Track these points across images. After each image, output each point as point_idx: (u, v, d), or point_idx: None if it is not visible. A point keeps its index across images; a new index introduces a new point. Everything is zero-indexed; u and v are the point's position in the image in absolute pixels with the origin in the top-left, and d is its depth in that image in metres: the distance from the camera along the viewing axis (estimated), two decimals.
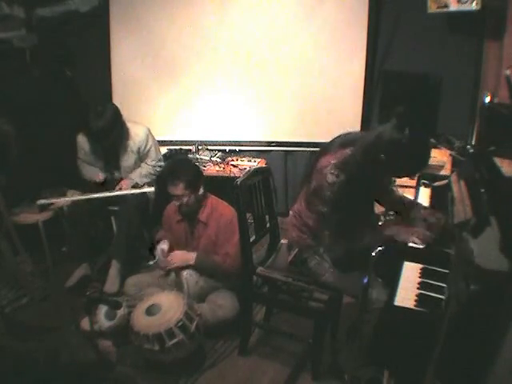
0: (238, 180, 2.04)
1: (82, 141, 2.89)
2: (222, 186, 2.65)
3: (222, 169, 3.36)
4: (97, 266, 2.92)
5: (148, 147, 2.93)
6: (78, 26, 3.53)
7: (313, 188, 1.81)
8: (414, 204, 1.99)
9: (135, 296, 2.31)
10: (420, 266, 1.56)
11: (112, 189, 2.87)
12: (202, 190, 2.36)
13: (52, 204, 2.88)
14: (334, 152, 1.78)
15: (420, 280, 1.48)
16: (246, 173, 2.17)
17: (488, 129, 2.34)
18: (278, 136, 3.62)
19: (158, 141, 3.10)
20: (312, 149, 3.43)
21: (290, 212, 2.07)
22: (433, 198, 2.13)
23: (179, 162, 2.59)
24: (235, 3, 3.40)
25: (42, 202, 2.85)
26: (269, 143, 3.64)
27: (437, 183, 2.21)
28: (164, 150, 3.49)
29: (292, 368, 2.15)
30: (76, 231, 2.85)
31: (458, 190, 1.77)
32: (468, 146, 2.66)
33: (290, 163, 3.67)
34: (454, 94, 3.11)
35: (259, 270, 2.09)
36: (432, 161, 2.68)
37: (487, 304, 1.10)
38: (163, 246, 2.41)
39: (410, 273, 1.53)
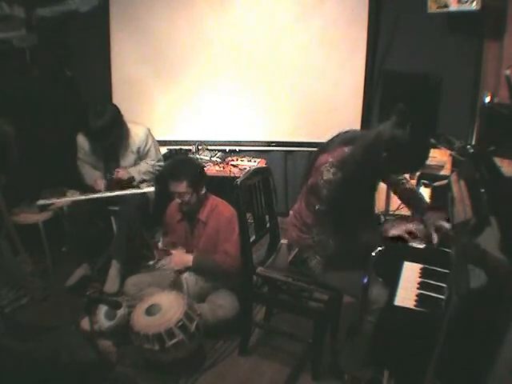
0: (238, 180, 2.04)
1: (82, 141, 2.89)
2: (222, 185, 2.65)
3: (222, 169, 3.35)
4: (97, 266, 2.91)
5: (148, 147, 2.93)
6: (78, 26, 3.53)
7: (310, 186, 1.81)
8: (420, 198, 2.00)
9: (135, 296, 2.31)
10: (420, 265, 1.56)
11: (112, 189, 2.87)
12: (204, 190, 2.36)
13: (52, 204, 2.88)
14: (332, 150, 1.78)
15: (420, 280, 1.48)
16: (246, 173, 2.17)
17: (488, 129, 2.34)
18: (277, 136, 3.62)
19: (158, 141, 3.10)
20: (312, 149, 3.41)
21: (290, 212, 2.07)
22: (433, 198, 2.13)
23: (183, 160, 2.59)
24: (235, 3, 3.40)
25: (42, 202, 2.84)
26: (269, 143, 3.64)
27: (437, 183, 2.21)
28: (164, 149, 3.49)
29: (292, 368, 2.14)
30: (76, 231, 2.84)
31: (458, 189, 1.76)
32: (468, 146, 2.67)
33: (289, 163, 3.68)
34: (454, 94, 3.11)
35: (259, 269, 2.09)
36: (432, 161, 2.70)
37: (487, 304, 1.10)
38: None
39: (410, 273, 1.53)
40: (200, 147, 3.57)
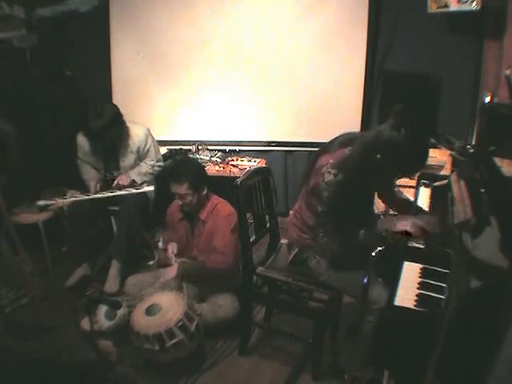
0: (238, 180, 2.04)
1: (82, 141, 2.89)
2: (222, 185, 2.65)
3: (221, 169, 3.36)
4: (97, 266, 2.92)
5: (147, 147, 2.93)
6: (78, 26, 3.53)
7: (311, 187, 1.81)
8: (411, 206, 1.99)
9: (135, 296, 2.31)
10: (420, 265, 1.56)
11: (112, 188, 2.87)
12: (205, 191, 2.36)
13: (52, 204, 2.88)
14: (332, 151, 1.78)
15: (420, 280, 1.48)
16: (246, 173, 2.17)
17: (488, 129, 2.34)
18: (277, 136, 3.62)
19: (158, 141, 3.10)
20: (312, 149, 3.42)
21: (291, 212, 2.07)
22: (433, 198, 2.13)
23: (184, 161, 2.57)
24: (235, 3, 3.39)
25: (42, 202, 2.84)
26: (269, 143, 3.64)
27: (437, 183, 2.21)
28: (164, 149, 3.49)
29: (292, 368, 2.15)
30: (76, 231, 2.85)
31: (458, 189, 1.76)
32: (468, 146, 2.66)
33: (289, 163, 3.67)
34: (454, 94, 3.11)
35: (259, 269, 2.09)
36: (432, 161, 2.69)
37: (487, 304, 1.10)
38: (171, 248, 2.40)
39: (410, 273, 1.53)
40: (200, 147, 3.56)
